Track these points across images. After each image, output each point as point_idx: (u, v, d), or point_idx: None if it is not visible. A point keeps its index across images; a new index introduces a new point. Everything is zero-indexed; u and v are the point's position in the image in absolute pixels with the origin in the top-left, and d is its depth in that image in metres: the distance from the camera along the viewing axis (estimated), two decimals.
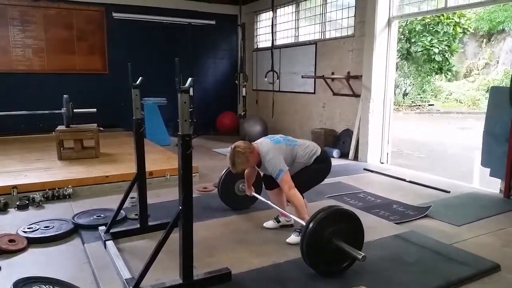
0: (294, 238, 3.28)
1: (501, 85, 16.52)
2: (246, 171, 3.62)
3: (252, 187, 3.79)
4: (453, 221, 3.87)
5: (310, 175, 3.40)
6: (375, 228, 3.60)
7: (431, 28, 16.89)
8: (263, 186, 3.76)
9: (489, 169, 4.92)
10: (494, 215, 4.06)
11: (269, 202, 3.63)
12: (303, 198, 3.31)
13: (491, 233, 3.61)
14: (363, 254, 2.57)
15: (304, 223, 2.92)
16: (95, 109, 6.33)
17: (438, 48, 17.08)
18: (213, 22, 9.38)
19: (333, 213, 2.73)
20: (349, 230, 2.73)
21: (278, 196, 3.60)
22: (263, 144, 3.30)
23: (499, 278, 2.81)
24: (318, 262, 2.69)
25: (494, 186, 4.98)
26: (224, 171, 4.02)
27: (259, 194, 3.90)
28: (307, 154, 3.36)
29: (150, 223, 3.47)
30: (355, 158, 6.75)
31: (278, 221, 3.63)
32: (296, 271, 2.82)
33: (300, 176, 3.34)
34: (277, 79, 8.61)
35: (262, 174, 3.64)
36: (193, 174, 2.54)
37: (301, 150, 3.36)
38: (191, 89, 2.35)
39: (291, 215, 3.36)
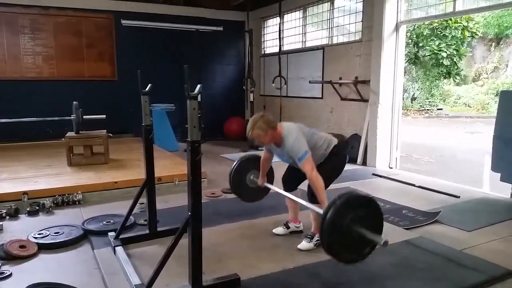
0: (305, 244, 3.27)
1: (511, 89, 16.43)
2: (262, 157, 3.56)
3: (265, 177, 3.68)
4: (464, 226, 3.83)
5: (326, 172, 3.22)
6: (385, 234, 3.54)
7: (439, 32, 16.82)
8: (283, 186, 3.59)
9: (499, 174, 4.87)
10: (505, 220, 4.01)
11: (282, 191, 3.47)
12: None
13: (503, 239, 3.56)
14: (385, 239, 2.43)
15: (320, 211, 2.76)
16: (104, 116, 6.39)
17: (446, 52, 16.99)
18: (220, 29, 9.44)
19: (351, 199, 2.60)
20: (368, 216, 2.60)
21: (294, 201, 3.55)
22: (287, 124, 3.25)
23: (511, 285, 2.77)
24: (339, 251, 2.57)
25: (505, 191, 4.92)
26: (235, 162, 3.87)
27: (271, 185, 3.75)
28: (326, 143, 3.29)
29: (159, 229, 3.48)
30: (364, 163, 6.72)
31: (288, 227, 3.61)
32: (306, 278, 2.81)
33: (320, 171, 3.21)
34: (285, 84, 8.62)
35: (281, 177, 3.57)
36: (202, 180, 2.53)
37: (320, 140, 3.28)
38: (199, 96, 2.36)
39: (308, 204, 3.14)
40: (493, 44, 20.49)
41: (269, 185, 3.72)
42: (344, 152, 3.51)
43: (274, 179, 3.92)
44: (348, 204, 2.57)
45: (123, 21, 8.53)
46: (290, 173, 3.53)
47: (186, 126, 2.36)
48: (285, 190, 3.53)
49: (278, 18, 8.62)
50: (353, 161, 6.82)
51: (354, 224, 2.52)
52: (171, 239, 2.50)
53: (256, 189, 3.86)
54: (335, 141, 3.38)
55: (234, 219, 3.97)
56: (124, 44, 8.73)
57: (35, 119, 6.76)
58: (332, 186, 3.56)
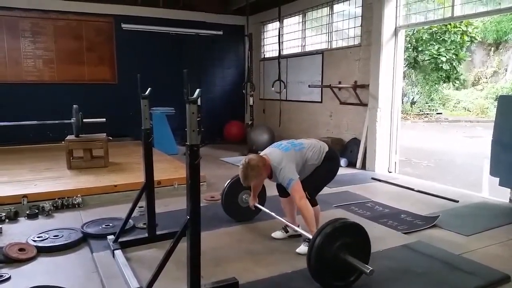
0: (304, 248, 3.25)
1: (509, 94, 16.46)
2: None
3: (257, 198, 3.78)
4: (462, 231, 3.83)
5: (321, 176, 3.39)
6: (383, 238, 3.58)
7: (438, 37, 16.86)
8: (278, 193, 3.67)
9: (498, 179, 4.88)
10: (503, 225, 4.02)
11: (273, 214, 3.62)
12: (318, 204, 3.30)
13: (501, 243, 3.57)
14: (371, 268, 2.53)
15: (311, 236, 2.91)
16: (104, 119, 6.40)
17: (445, 57, 17.03)
18: (220, 33, 9.48)
19: (340, 226, 2.69)
20: (356, 243, 2.70)
21: (290, 205, 3.58)
22: (274, 154, 3.27)
23: None
24: (325, 277, 2.66)
25: (503, 196, 4.93)
26: (227, 182, 4.01)
27: (263, 205, 3.88)
28: (316, 153, 3.35)
29: (158, 232, 3.48)
30: (363, 167, 6.73)
31: (287, 231, 3.61)
32: (303, 282, 2.80)
33: (312, 178, 3.33)
34: (284, 88, 8.63)
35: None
36: (201, 183, 2.54)
37: (310, 151, 3.33)
38: (198, 100, 2.37)
39: (297, 228, 3.36)
40: (492, 48, 20.55)
41: (260, 207, 3.81)
42: (336, 155, 3.54)
43: (266, 199, 4.02)
44: (337, 231, 2.66)
45: (123, 25, 8.57)
46: None
47: (186, 129, 2.37)
48: (280, 196, 3.61)
49: (277, 23, 8.63)
50: (352, 165, 6.83)
51: (341, 251, 2.62)
52: (170, 243, 2.51)
53: (248, 209, 3.96)
54: (325, 147, 3.43)
55: (233, 223, 3.98)
56: (124, 47, 8.76)
57: (35, 122, 6.76)
58: (332, 190, 3.61)
